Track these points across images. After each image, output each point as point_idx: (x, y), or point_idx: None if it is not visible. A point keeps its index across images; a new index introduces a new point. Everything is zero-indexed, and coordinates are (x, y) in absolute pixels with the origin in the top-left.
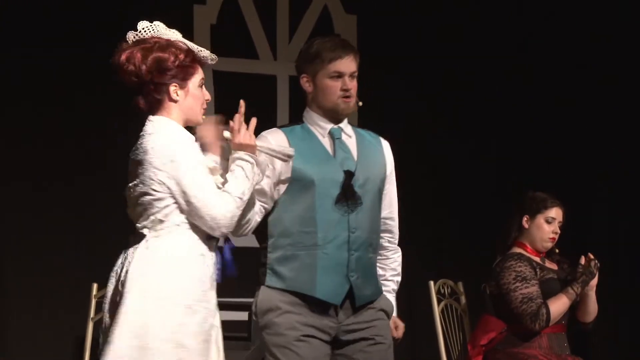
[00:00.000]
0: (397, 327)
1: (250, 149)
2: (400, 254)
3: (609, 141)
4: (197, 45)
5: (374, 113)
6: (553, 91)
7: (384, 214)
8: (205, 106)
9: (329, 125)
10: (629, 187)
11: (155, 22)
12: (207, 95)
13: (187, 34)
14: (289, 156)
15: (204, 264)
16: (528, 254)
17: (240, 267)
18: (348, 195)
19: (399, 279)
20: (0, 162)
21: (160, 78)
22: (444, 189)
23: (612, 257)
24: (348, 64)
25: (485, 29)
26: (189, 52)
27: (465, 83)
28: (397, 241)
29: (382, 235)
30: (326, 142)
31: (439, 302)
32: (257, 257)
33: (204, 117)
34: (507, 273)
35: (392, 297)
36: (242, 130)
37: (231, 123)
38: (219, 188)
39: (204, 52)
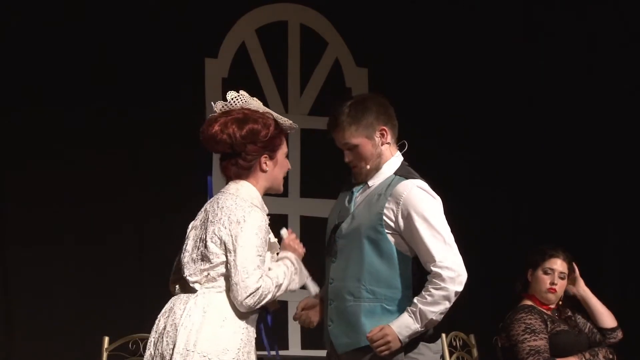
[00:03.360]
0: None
1: (298, 254)
2: (439, 291)
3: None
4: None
5: None
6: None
7: (422, 261)
8: (285, 175)
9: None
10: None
11: (241, 92)
12: (289, 165)
13: (199, 88)
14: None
15: (247, 328)
16: (539, 307)
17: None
18: (329, 246)
19: (422, 305)
20: (15, 219)
21: (254, 149)
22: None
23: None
24: (337, 139)
25: (498, 83)
26: (276, 123)
27: (480, 135)
28: (440, 278)
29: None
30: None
31: (450, 354)
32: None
33: None
34: (517, 325)
35: (404, 313)
36: (294, 237)
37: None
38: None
39: (287, 122)
